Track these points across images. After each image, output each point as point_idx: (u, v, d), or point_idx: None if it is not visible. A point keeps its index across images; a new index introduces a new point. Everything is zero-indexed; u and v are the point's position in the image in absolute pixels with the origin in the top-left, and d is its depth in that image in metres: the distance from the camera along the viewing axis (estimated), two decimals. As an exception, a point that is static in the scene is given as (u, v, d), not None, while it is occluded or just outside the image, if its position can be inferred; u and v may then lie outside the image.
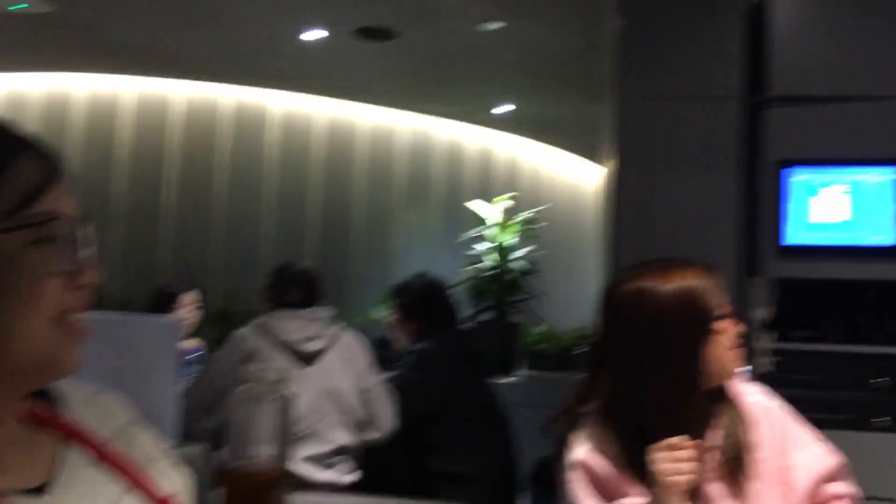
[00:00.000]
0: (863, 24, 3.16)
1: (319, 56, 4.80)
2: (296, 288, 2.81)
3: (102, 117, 5.69)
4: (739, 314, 1.50)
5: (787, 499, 1.43)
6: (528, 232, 4.85)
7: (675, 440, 1.36)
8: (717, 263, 1.52)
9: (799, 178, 3.12)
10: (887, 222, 3.06)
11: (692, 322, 1.41)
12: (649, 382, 1.41)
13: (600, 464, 1.43)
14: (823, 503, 1.45)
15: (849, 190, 3.09)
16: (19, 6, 4.03)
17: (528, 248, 4.78)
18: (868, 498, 1.79)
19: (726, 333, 1.44)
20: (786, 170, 3.12)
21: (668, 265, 1.47)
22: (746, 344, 1.51)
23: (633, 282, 1.45)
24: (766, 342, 3.07)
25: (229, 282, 5.45)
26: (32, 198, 0.68)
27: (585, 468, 1.44)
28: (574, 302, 6.12)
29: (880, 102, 3.09)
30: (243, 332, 2.73)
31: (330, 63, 4.94)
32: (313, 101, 5.89)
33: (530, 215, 4.85)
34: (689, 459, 1.35)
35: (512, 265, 4.68)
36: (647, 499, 1.38)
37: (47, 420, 0.76)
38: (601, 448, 1.44)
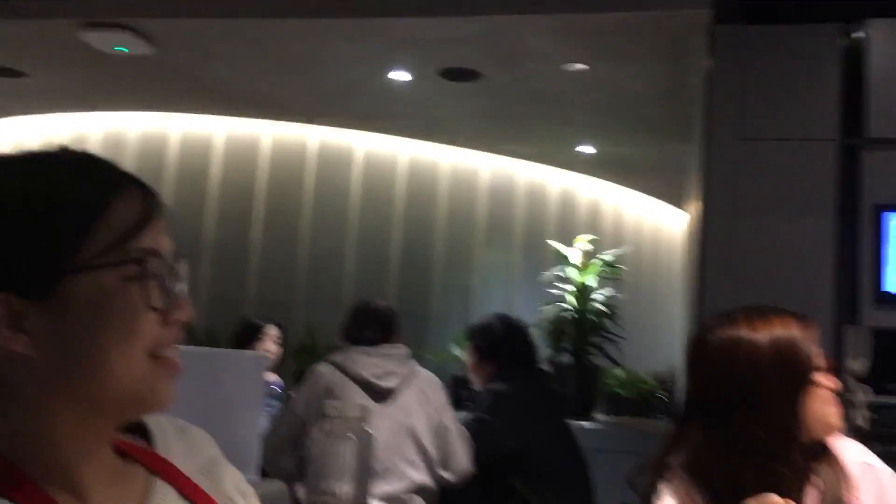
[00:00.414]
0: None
1: (403, 96, 4.88)
2: (371, 325, 2.83)
3: (195, 156, 5.89)
4: (836, 366, 1.43)
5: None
6: (609, 273, 4.77)
7: (771, 498, 1.29)
8: (811, 312, 1.46)
9: (898, 223, 2.99)
10: None
11: (789, 374, 1.35)
12: (742, 436, 1.35)
13: (687, 519, 1.37)
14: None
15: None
16: (120, 48, 4.23)
17: (608, 291, 4.70)
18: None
19: (825, 386, 1.38)
20: (885, 213, 2.99)
21: (761, 313, 1.41)
22: (842, 397, 1.44)
23: (724, 330, 1.40)
24: (862, 395, 2.92)
25: (312, 317, 5.52)
26: (132, 234, 0.69)
27: (672, 523, 1.38)
28: (654, 347, 5.97)
29: None
30: (321, 367, 2.75)
31: (414, 103, 5.01)
32: (396, 141, 5.98)
33: (610, 257, 4.77)
34: None
35: (592, 307, 4.61)
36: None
37: (138, 454, 0.77)
38: (687, 503, 1.38)
